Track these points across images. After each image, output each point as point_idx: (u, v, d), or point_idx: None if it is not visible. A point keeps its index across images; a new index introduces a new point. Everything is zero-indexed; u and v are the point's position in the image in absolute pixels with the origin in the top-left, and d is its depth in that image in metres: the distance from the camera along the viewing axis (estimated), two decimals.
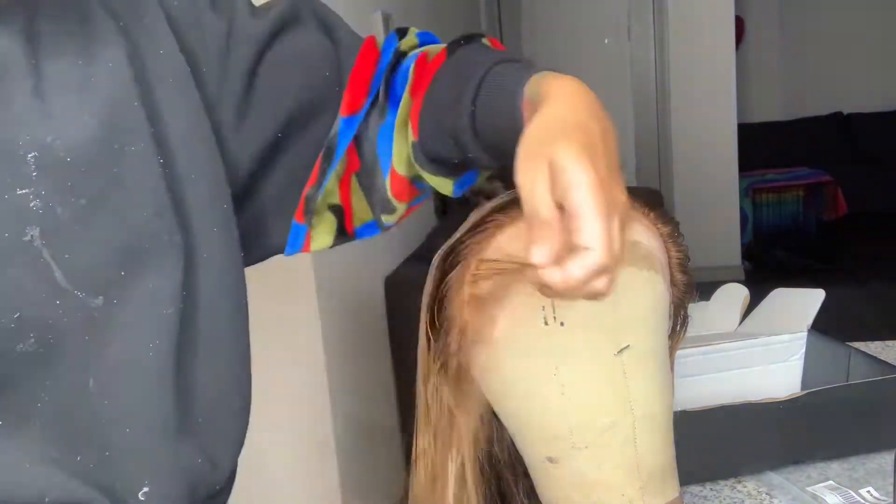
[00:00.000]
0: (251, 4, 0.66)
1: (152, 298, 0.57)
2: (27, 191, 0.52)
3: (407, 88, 0.64)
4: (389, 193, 0.66)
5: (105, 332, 0.55)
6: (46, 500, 0.54)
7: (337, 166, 0.65)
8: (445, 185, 0.65)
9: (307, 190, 0.66)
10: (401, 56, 0.67)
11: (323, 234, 0.69)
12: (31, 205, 0.52)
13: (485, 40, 0.65)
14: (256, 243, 0.68)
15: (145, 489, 0.57)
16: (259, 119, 0.64)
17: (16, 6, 0.54)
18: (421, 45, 0.68)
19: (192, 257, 0.59)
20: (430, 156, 0.63)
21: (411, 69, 0.64)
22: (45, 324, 0.53)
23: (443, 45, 0.65)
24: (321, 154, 0.65)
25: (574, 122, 0.50)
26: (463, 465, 0.62)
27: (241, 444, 0.66)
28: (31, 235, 0.52)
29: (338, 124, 0.65)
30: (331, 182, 0.66)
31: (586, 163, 0.44)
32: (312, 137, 0.66)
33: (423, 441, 0.63)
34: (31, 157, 0.52)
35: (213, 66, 0.62)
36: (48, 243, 0.52)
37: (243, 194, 0.65)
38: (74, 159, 0.54)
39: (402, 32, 0.68)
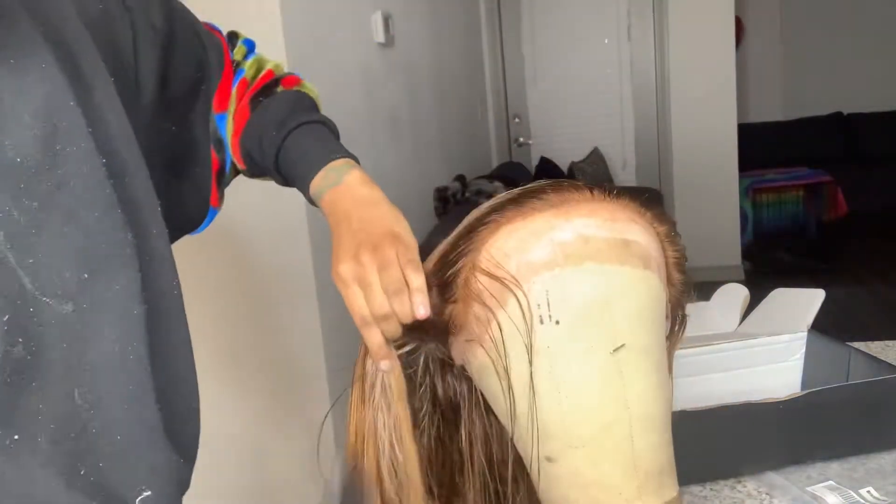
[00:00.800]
0: (146, 10, 0.70)
1: (120, 300, 0.57)
2: None
3: (230, 113, 0.78)
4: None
5: (81, 340, 0.54)
6: None
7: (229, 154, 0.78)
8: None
9: (215, 178, 0.79)
10: (236, 64, 0.80)
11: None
12: None
13: (279, 89, 0.79)
14: (173, 223, 0.70)
15: (145, 494, 0.58)
16: (168, 116, 0.73)
17: None
18: (248, 51, 0.81)
19: (143, 254, 0.59)
20: (256, 176, 0.82)
21: (233, 92, 0.79)
22: (25, 331, 0.52)
23: (261, 66, 0.80)
24: (212, 146, 0.78)
25: (349, 242, 0.65)
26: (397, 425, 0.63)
27: (198, 434, 0.67)
28: None
29: (213, 120, 0.78)
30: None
31: (344, 280, 0.63)
32: (199, 129, 0.77)
33: (355, 395, 0.64)
34: None
35: (126, 71, 0.66)
36: (12, 248, 0.52)
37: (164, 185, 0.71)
38: (23, 160, 0.53)
39: (232, 41, 0.81)
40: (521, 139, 4.89)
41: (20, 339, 0.51)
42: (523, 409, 0.60)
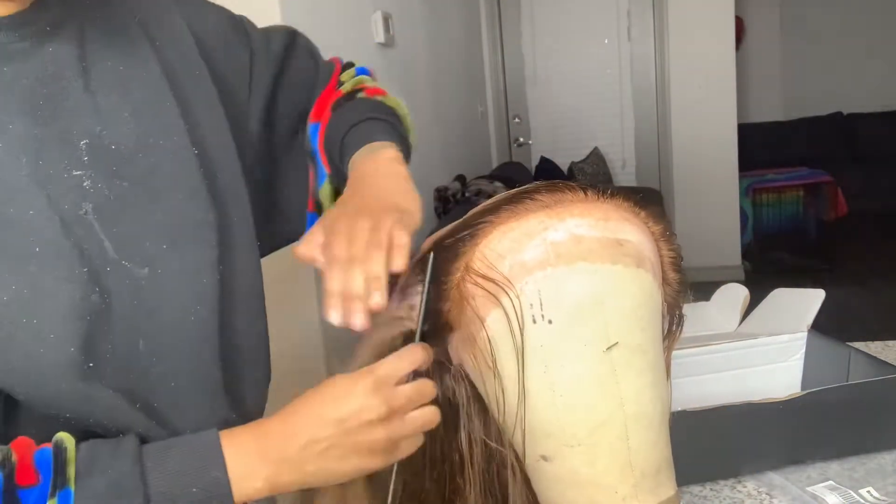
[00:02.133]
0: (258, 30, 0.82)
1: (191, 270, 0.66)
2: (80, 172, 0.61)
3: (321, 123, 0.83)
4: None
5: (151, 300, 0.63)
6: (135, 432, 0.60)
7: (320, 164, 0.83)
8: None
9: (311, 191, 0.84)
10: (339, 83, 0.86)
11: None
12: (85, 184, 0.61)
13: (361, 94, 0.83)
14: (278, 230, 0.83)
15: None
16: (278, 129, 0.82)
17: (70, 18, 0.64)
18: (356, 73, 0.87)
19: (225, 234, 0.69)
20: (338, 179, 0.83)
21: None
22: (102, 284, 0.60)
23: (361, 83, 0.85)
24: (308, 160, 0.83)
25: (350, 210, 0.66)
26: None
27: (264, 404, 0.76)
28: (86, 210, 0.61)
29: (308, 130, 0.83)
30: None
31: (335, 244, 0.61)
32: (301, 141, 0.84)
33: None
34: (84, 143, 0.62)
35: (240, 88, 0.78)
36: (98, 218, 0.61)
37: (265, 190, 0.81)
38: (118, 148, 0.64)
39: (347, 67, 0.87)
40: (521, 139, 4.89)
41: (97, 289, 0.60)
42: (518, 409, 0.60)
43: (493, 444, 0.63)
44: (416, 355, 0.59)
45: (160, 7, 0.73)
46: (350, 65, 0.88)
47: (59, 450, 0.54)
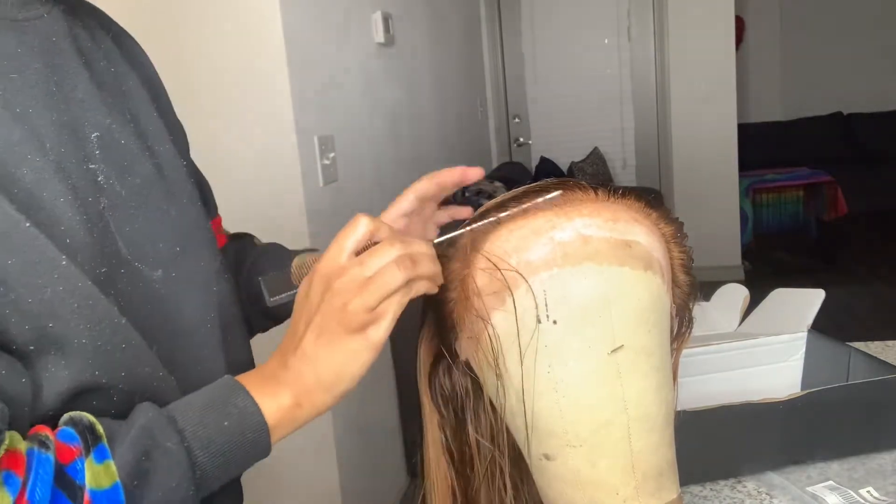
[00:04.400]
0: None
1: (203, 276, 0.65)
2: (94, 166, 0.58)
3: None
4: None
5: (165, 305, 0.61)
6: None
7: None
8: None
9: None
10: None
11: None
12: (99, 178, 0.58)
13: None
14: None
15: None
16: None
17: (58, 11, 0.61)
18: None
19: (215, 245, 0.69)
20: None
21: None
22: (116, 286, 0.57)
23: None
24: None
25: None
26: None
27: None
28: (104, 205, 0.58)
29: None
30: None
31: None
32: None
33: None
34: (95, 136, 0.59)
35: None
36: (112, 216, 0.58)
37: None
38: (127, 143, 0.62)
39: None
40: (521, 139, 4.89)
41: (112, 292, 0.56)
42: (520, 408, 0.60)
43: (500, 441, 0.63)
44: (357, 224, 0.56)
45: (123, 31, 0.73)
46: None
47: (78, 419, 0.50)
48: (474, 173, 0.70)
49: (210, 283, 0.65)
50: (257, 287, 0.76)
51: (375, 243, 0.56)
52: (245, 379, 0.57)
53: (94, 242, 0.55)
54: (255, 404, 0.55)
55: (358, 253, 0.55)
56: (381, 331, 0.55)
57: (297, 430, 0.58)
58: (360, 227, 0.55)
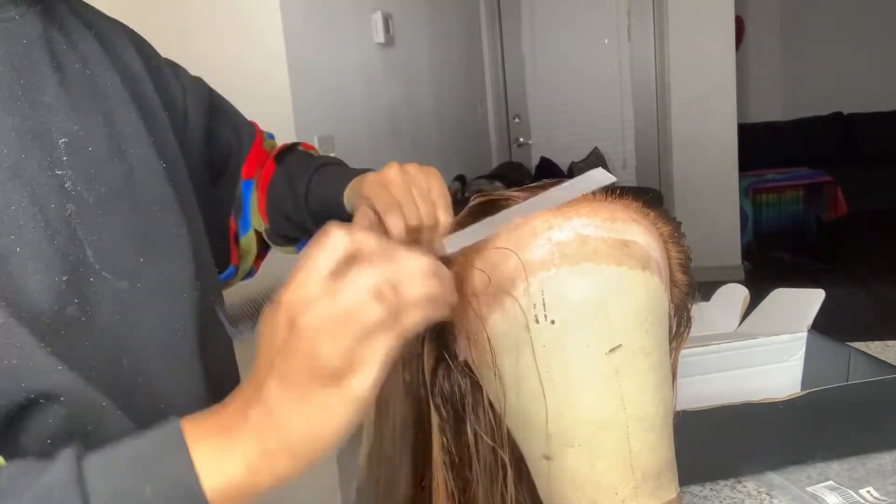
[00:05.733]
0: (181, 68, 0.84)
1: (169, 284, 0.63)
2: (62, 172, 0.57)
3: (255, 179, 0.89)
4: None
5: (133, 315, 0.59)
6: None
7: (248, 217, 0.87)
8: (289, 251, 0.91)
9: (232, 239, 0.88)
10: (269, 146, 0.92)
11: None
12: (66, 185, 0.57)
13: (300, 147, 0.91)
14: None
15: None
16: (205, 171, 0.83)
17: (34, 13, 0.60)
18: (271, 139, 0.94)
19: (197, 250, 0.67)
20: (279, 234, 0.89)
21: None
22: (83, 295, 0.55)
23: (276, 149, 0.91)
24: (232, 211, 0.87)
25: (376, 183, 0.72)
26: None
27: None
28: (70, 212, 0.56)
29: (240, 186, 0.87)
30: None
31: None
32: (223, 192, 0.87)
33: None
34: (62, 142, 0.58)
35: (176, 118, 0.76)
36: (81, 223, 0.57)
37: None
38: (94, 151, 0.60)
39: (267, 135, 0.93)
40: (521, 139, 4.89)
41: (76, 301, 0.54)
42: (521, 408, 0.60)
43: (497, 442, 0.63)
44: (331, 238, 0.43)
45: (110, 27, 0.72)
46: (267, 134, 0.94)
47: None
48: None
49: (180, 292, 0.63)
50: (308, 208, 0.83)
51: None
52: (198, 425, 0.44)
53: (54, 249, 0.54)
54: (193, 470, 0.42)
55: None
56: (363, 382, 0.42)
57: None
58: (336, 242, 0.43)
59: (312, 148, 0.93)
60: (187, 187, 0.71)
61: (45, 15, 0.61)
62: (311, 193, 0.83)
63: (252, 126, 0.92)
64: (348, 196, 0.78)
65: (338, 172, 0.83)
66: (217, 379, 0.66)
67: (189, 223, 0.67)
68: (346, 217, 0.77)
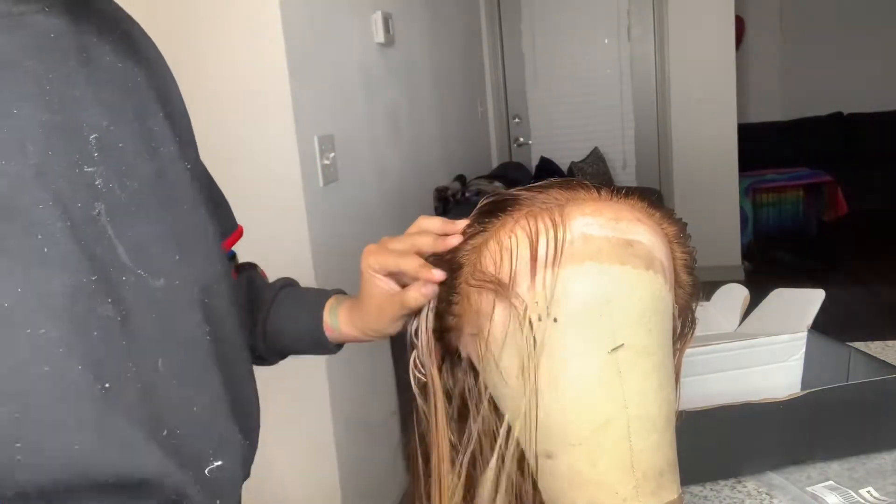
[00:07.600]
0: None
1: (201, 284, 0.63)
2: (92, 169, 0.56)
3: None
4: None
5: (169, 314, 0.59)
6: (149, 478, 0.55)
7: None
8: None
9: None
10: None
11: None
12: (97, 182, 0.56)
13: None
14: None
15: (217, 463, 0.61)
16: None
17: (61, 4, 0.58)
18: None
19: (218, 252, 0.67)
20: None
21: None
22: (117, 294, 0.55)
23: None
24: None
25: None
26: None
27: (258, 429, 0.72)
28: (99, 210, 0.55)
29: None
30: None
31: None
32: None
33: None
34: (93, 138, 0.57)
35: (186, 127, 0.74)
36: (111, 221, 0.56)
37: None
38: (125, 146, 0.59)
39: None
40: (521, 139, 4.89)
41: (109, 300, 0.54)
42: (523, 406, 0.60)
43: (500, 440, 0.63)
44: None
45: (138, 29, 0.70)
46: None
47: None
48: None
49: (210, 291, 0.64)
50: (275, 326, 0.81)
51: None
52: None
53: (80, 250, 0.53)
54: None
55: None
56: None
57: None
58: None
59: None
60: (200, 195, 0.70)
61: (73, 6, 0.59)
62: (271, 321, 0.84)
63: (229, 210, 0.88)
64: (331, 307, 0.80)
65: (297, 301, 0.85)
66: (235, 386, 0.66)
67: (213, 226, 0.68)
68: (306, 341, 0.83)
